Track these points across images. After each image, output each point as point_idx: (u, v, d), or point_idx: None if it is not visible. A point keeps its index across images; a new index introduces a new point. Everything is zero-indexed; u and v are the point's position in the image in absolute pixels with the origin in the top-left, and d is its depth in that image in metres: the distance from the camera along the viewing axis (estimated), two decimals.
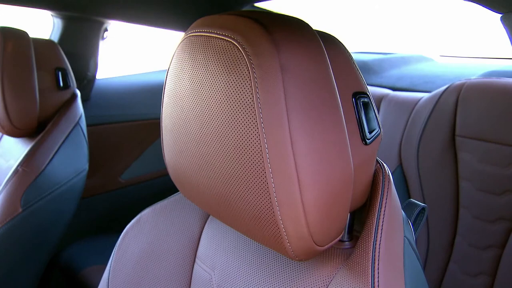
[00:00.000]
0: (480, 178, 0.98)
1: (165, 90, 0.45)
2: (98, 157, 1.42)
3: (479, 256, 0.98)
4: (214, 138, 0.39)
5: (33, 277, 1.11)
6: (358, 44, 1.91)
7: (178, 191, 1.59)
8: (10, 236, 0.97)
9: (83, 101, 1.38)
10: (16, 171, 1.00)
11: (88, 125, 1.23)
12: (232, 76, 0.36)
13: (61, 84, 1.12)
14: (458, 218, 1.03)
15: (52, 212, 1.06)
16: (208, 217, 0.59)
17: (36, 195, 1.00)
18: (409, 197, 1.10)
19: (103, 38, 1.44)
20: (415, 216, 0.55)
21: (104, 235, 1.47)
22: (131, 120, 1.49)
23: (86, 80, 1.42)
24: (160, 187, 1.57)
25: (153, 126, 1.52)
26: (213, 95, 0.38)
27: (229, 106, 0.37)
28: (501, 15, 0.79)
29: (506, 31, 0.80)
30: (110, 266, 0.59)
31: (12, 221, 0.96)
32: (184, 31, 1.62)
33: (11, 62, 1.00)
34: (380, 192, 0.44)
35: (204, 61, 0.39)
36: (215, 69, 0.38)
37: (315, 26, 0.43)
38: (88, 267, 1.32)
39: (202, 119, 0.40)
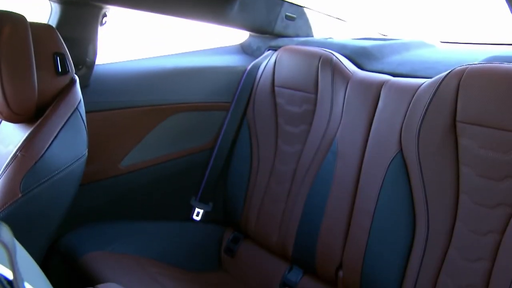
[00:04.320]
0: (480, 163, 0.98)
1: None
2: (98, 144, 1.41)
3: (479, 242, 0.98)
4: None
5: None
6: (360, 30, 1.90)
7: (178, 177, 1.59)
8: (10, 221, 0.97)
9: (82, 87, 1.37)
10: (15, 156, 1.00)
11: (87, 112, 1.23)
12: None
13: (60, 69, 1.11)
14: (458, 204, 1.03)
15: (52, 198, 1.06)
16: None
17: (35, 180, 1.00)
18: (410, 183, 1.09)
19: (102, 24, 1.43)
20: None
21: (104, 221, 1.47)
22: (131, 107, 1.48)
23: (85, 66, 1.41)
24: (160, 173, 1.57)
25: (153, 112, 1.51)
26: None
27: None
28: None
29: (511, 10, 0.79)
30: None
31: (11, 206, 0.96)
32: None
33: (9, 46, 0.99)
34: None
35: None
36: None
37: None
38: (88, 253, 1.32)
39: None
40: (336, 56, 1.35)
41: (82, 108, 1.16)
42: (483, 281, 0.97)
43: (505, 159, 0.94)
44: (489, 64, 1.00)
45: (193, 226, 1.59)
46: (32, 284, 0.38)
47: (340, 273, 1.24)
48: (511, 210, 0.94)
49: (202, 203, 1.60)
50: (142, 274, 1.29)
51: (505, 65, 0.97)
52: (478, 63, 1.02)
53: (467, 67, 1.02)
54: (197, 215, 1.60)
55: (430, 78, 1.12)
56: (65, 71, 1.13)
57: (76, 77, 1.19)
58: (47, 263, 1.34)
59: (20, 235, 1.01)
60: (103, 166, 1.48)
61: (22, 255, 0.42)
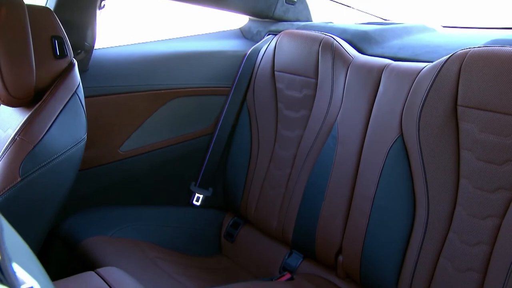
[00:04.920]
0: (481, 147, 0.98)
1: None
2: (97, 129, 1.41)
3: (479, 226, 0.98)
4: None
5: (33, 247, 1.11)
6: (361, 14, 1.88)
7: (178, 162, 1.59)
8: (10, 204, 0.97)
9: (81, 72, 1.36)
10: (13, 140, 0.99)
11: (86, 97, 1.22)
12: None
13: (58, 52, 1.10)
14: (458, 188, 1.03)
15: (51, 182, 1.05)
16: None
17: (34, 164, 1.00)
18: (410, 167, 1.09)
19: (100, 8, 1.42)
20: None
21: (104, 207, 1.47)
22: (130, 91, 1.47)
23: (83, 50, 1.40)
24: (160, 158, 1.56)
25: (152, 97, 1.50)
26: None
27: None
28: None
29: None
30: None
31: (11, 190, 0.96)
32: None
33: (6, 29, 0.98)
34: None
35: None
36: None
37: None
38: (88, 238, 1.32)
39: None
40: (336, 40, 1.34)
41: (81, 92, 1.16)
42: (482, 265, 0.97)
43: (506, 143, 0.94)
44: (492, 47, 0.99)
45: (193, 211, 1.59)
46: (21, 265, 0.37)
47: (340, 258, 1.25)
48: (511, 194, 0.94)
49: (202, 188, 1.61)
50: (142, 259, 1.30)
51: (508, 48, 0.96)
52: (480, 46, 1.01)
53: (469, 51, 1.01)
54: (197, 200, 1.60)
55: (431, 62, 1.11)
56: (64, 54, 1.12)
57: (75, 61, 1.18)
58: (47, 248, 1.34)
59: (20, 219, 1.02)
60: (102, 152, 1.47)
61: (11, 235, 0.42)
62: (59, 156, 1.05)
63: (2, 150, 1.00)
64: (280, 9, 1.73)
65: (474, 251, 0.99)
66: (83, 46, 1.39)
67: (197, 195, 1.60)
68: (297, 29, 1.55)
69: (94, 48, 1.43)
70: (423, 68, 1.11)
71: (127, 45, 1.58)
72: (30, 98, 1.07)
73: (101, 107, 1.43)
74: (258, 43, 1.62)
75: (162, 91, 1.51)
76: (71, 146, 1.09)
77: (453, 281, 1.01)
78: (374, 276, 1.15)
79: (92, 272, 1.01)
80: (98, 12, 1.41)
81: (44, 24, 1.08)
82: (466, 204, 1.01)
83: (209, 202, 1.62)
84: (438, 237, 1.05)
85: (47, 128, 1.03)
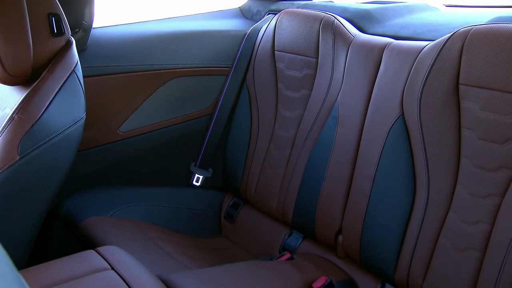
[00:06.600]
0: (482, 126, 0.97)
1: None
2: (96, 109, 1.40)
3: (479, 205, 0.98)
4: None
5: (33, 227, 1.11)
6: None
7: (178, 142, 1.58)
8: (9, 183, 0.96)
9: (79, 51, 1.35)
10: (11, 118, 0.98)
11: (84, 77, 1.21)
12: None
13: (55, 30, 1.09)
14: (459, 168, 1.02)
15: (50, 161, 1.05)
16: None
17: (33, 143, 0.99)
18: (411, 147, 1.09)
19: None
20: None
21: (103, 187, 1.47)
22: (129, 71, 1.46)
23: (81, 29, 1.38)
24: (160, 139, 1.56)
25: (151, 77, 1.49)
26: None
27: None
28: None
29: None
30: None
31: (10, 169, 0.95)
32: None
33: (1, 6, 0.97)
34: None
35: None
36: None
37: None
38: (89, 218, 1.33)
39: None
40: (337, 19, 1.32)
41: (79, 71, 1.14)
42: (482, 244, 0.97)
43: (507, 121, 0.93)
44: (495, 25, 0.97)
45: (193, 192, 1.59)
46: None
47: (340, 238, 1.25)
48: None
49: (201, 169, 1.60)
50: (142, 239, 1.30)
51: (511, 25, 0.95)
52: (483, 24, 1.00)
53: (471, 28, 1.00)
54: (197, 181, 1.60)
55: (433, 40, 1.09)
56: (61, 32, 1.10)
57: (73, 39, 1.16)
58: (48, 228, 1.35)
59: (19, 198, 1.01)
60: (101, 132, 1.47)
61: None
62: (58, 134, 1.04)
63: (0, 129, 0.99)
64: None
65: (474, 230, 0.99)
66: (81, 25, 1.37)
67: (197, 175, 1.60)
68: (297, 8, 1.53)
69: (92, 27, 1.41)
70: (425, 46, 1.10)
71: (126, 24, 1.56)
72: (28, 77, 1.06)
73: (100, 87, 1.42)
74: (258, 23, 1.60)
75: (161, 71, 1.50)
76: (70, 125, 1.08)
77: (452, 260, 1.01)
78: (373, 256, 1.15)
79: (92, 251, 1.02)
80: None
81: (40, 1, 1.07)
82: (467, 183, 1.01)
83: (209, 182, 1.61)
84: (438, 217, 1.05)
85: (45, 107, 1.02)
